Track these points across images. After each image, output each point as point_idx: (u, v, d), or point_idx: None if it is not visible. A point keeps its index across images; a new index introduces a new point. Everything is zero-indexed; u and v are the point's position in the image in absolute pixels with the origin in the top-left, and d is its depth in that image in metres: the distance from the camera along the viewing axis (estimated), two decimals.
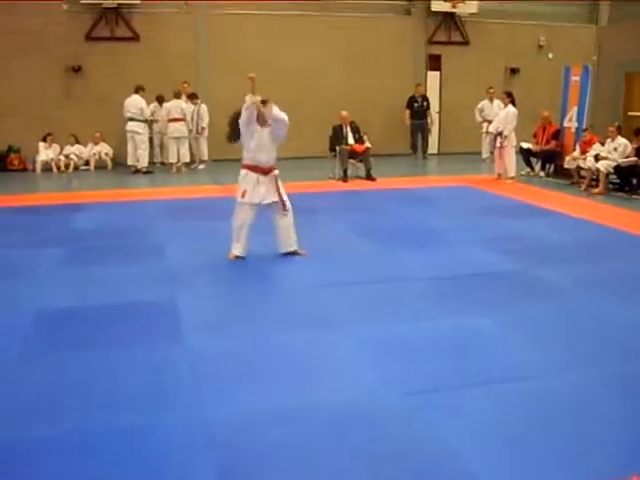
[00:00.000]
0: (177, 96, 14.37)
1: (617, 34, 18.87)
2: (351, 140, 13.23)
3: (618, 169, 11.92)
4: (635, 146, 11.82)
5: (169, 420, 3.95)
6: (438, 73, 17.85)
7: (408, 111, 16.72)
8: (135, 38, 15.20)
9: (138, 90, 14.00)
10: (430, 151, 17.32)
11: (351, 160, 13.26)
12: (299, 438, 3.75)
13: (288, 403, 4.15)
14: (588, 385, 4.46)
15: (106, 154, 14.94)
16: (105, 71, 15.01)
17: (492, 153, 14.36)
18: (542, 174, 13.92)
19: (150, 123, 14.53)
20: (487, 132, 14.97)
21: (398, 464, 3.52)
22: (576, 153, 12.98)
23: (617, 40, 18.74)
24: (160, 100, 14.66)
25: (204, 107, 14.61)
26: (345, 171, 13.05)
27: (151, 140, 14.82)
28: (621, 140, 12.12)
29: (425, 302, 6.09)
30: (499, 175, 13.26)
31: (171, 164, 14.47)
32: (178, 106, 14.26)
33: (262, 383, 4.43)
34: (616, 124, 12.66)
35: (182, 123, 14.38)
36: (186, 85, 14.69)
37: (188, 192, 11.90)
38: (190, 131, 14.59)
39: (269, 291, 6.43)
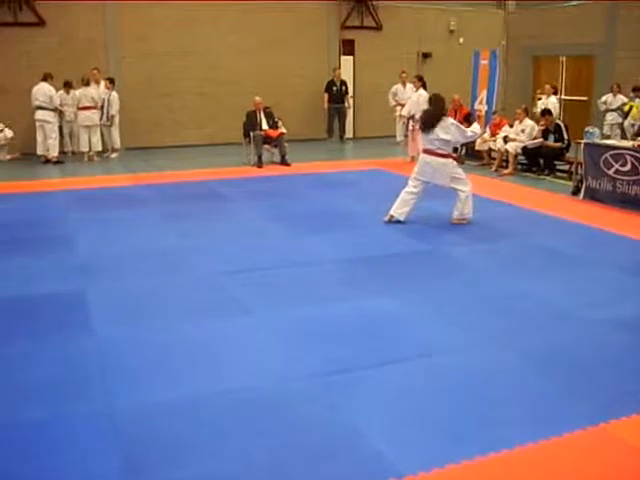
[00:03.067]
0: (86, 83, 13.99)
1: (524, 19, 19.36)
2: (265, 126, 13.21)
3: (526, 150, 12.28)
4: (541, 127, 12.17)
5: (74, 412, 3.90)
6: (352, 58, 17.94)
7: (327, 95, 16.80)
8: (40, 23, 14.67)
9: (46, 78, 13.53)
10: (346, 135, 17.45)
11: (265, 146, 13.24)
12: (205, 425, 3.76)
13: (196, 391, 4.15)
14: (494, 359, 4.61)
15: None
16: (9, 57, 14.49)
17: (406, 136, 14.53)
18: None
19: (60, 112, 14.11)
20: (400, 116, 15.14)
21: (304, 445, 3.57)
22: (486, 135, 13.29)
23: (524, 25, 19.24)
24: (68, 87, 14.23)
25: (115, 94, 14.28)
26: (260, 157, 13.03)
27: (60, 129, 14.40)
28: (528, 122, 12.49)
29: (334, 285, 6.16)
30: (412, 158, 13.41)
31: (83, 153, 14.11)
32: (89, 94, 13.88)
33: (170, 372, 4.41)
34: (523, 106, 13.02)
35: (93, 111, 14.00)
36: (96, 72, 14.33)
37: (100, 181, 11.66)
38: (101, 119, 14.26)
39: (179, 280, 6.36)
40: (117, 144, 14.71)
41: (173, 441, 3.60)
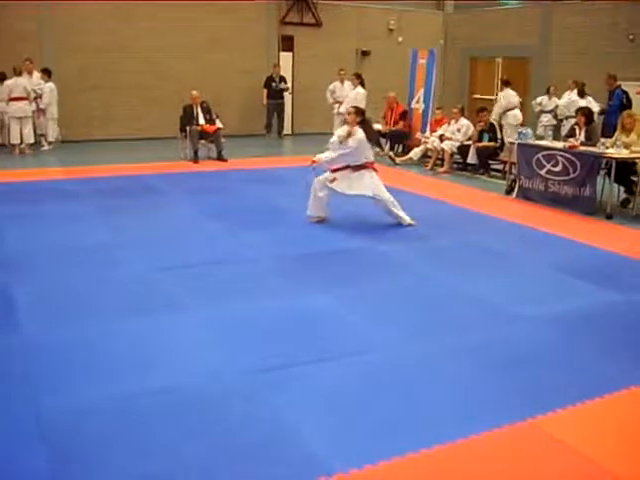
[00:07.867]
0: (19, 74, 13.60)
1: (462, 21, 19.67)
2: (202, 120, 13.06)
3: (461, 149, 12.42)
4: (479, 129, 12.31)
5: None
6: (291, 54, 17.91)
7: (266, 91, 16.72)
8: None
9: None
10: (284, 132, 17.41)
11: (202, 141, 13.09)
12: (136, 424, 3.68)
13: (126, 390, 4.05)
14: (427, 356, 4.63)
15: None
16: None
17: None
18: (391, 154, 14.26)
19: None
20: (338, 113, 15.16)
21: (237, 444, 3.52)
22: (427, 133, 13.42)
23: (462, 27, 19.54)
24: (0, 78, 13.84)
25: (48, 86, 13.94)
26: (196, 152, 12.87)
27: None
28: (464, 121, 12.63)
29: (269, 281, 6.12)
30: None
31: (13, 145, 13.73)
32: (21, 84, 13.50)
33: (98, 372, 4.30)
34: (459, 106, 13.16)
35: (26, 102, 13.61)
36: (28, 62, 13.94)
37: (30, 175, 11.35)
38: (34, 110, 13.89)
39: (110, 277, 6.20)
40: (50, 136, 14.35)
41: (99, 442, 3.51)
